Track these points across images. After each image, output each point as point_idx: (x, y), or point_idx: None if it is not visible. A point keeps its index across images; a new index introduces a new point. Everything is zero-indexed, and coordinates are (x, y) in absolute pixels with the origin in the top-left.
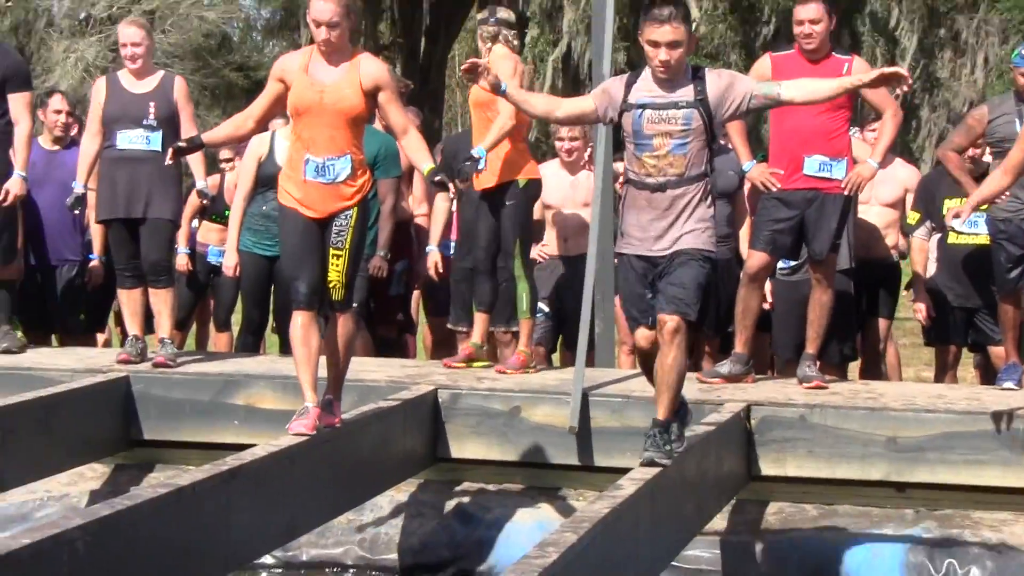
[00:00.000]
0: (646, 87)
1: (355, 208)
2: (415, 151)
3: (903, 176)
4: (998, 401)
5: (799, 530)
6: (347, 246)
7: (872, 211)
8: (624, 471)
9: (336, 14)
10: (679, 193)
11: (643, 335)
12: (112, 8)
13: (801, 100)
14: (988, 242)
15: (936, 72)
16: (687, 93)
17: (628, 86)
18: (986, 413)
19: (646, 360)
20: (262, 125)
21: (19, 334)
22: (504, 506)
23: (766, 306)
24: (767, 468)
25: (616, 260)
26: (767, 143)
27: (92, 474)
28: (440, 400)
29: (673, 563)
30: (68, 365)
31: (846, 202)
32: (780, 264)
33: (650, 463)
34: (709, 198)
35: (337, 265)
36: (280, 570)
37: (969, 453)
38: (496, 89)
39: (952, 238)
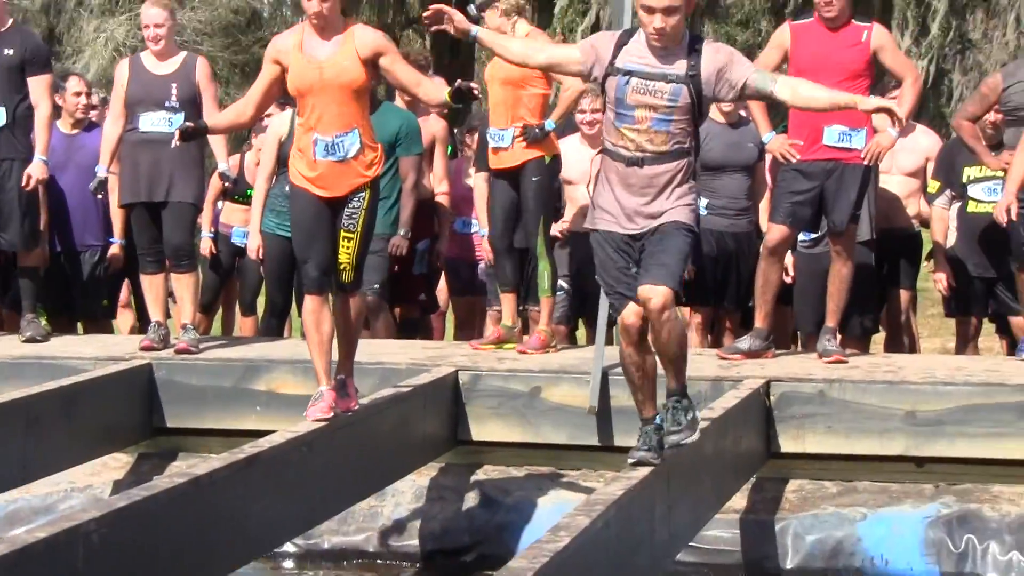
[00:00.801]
0: (637, 52)
1: (368, 188)
2: (432, 91)
3: (925, 144)
4: (1018, 372)
5: (818, 508)
6: (359, 228)
7: (893, 180)
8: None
9: None
10: (658, 171)
11: (633, 311)
12: None
13: (792, 103)
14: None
15: (968, 34)
16: (680, 66)
17: (619, 46)
18: (1006, 385)
19: (634, 345)
20: (263, 110)
21: (43, 322)
22: (524, 489)
23: (787, 279)
24: (786, 445)
25: (590, 238)
26: (786, 113)
27: (115, 464)
28: (461, 382)
29: (691, 544)
30: (91, 353)
31: (866, 172)
32: (800, 236)
33: (642, 462)
34: (691, 178)
35: (348, 247)
36: (301, 558)
37: (989, 426)
38: (466, 35)
39: (972, 207)
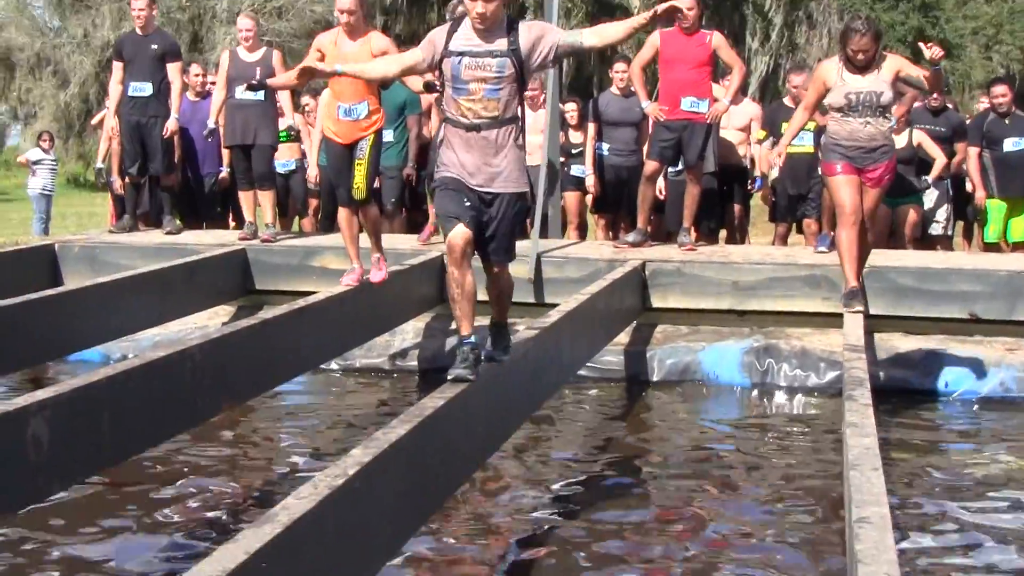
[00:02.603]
0: (465, 36)
1: (371, 135)
2: (414, 82)
3: (749, 110)
4: (805, 257)
5: (675, 342)
6: (366, 157)
7: (730, 133)
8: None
9: (354, 4)
10: (492, 134)
11: (460, 232)
12: (255, 4)
13: (600, 44)
14: (812, 151)
15: (796, 39)
16: (501, 44)
17: (450, 35)
18: (796, 264)
19: (457, 264)
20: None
21: (178, 221)
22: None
23: (660, 196)
24: (655, 302)
25: (434, 184)
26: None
27: (224, 312)
28: (445, 261)
29: (589, 364)
30: (209, 241)
31: (708, 128)
32: (669, 169)
33: (458, 379)
34: (520, 137)
35: (359, 172)
36: (341, 372)
37: (784, 290)
38: (336, 74)
39: (791, 149)
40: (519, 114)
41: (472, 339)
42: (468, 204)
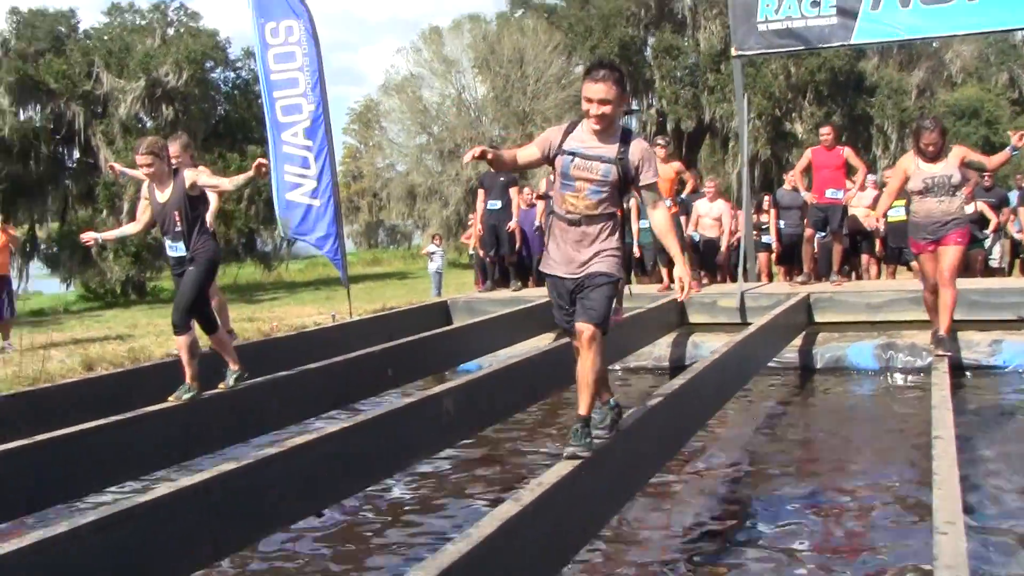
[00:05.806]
0: (579, 137)
1: None
2: None
3: (872, 194)
4: (911, 286)
5: (831, 343)
6: None
7: (858, 210)
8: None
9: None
10: (589, 229)
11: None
12: None
13: (650, 221)
14: (906, 218)
15: (906, 147)
16: (612, 151)
17: (566, 133)
18: (905, 290)
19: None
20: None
21: (519, 283)
22: (713, 340)
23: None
24: (817, 318)
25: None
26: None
27: (548, 337)
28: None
29: (774, 359)
30: (537, 295)
31: (844, 208)
32: (820, 233)
33: (572, 456)
34: (617, 232)
35: None
36: (620, 371)
37: (898, 308)
38: (485, 156)
39: (891, 218)
40: (616, 212)
41: (594, 416)
42: (564, 312)
